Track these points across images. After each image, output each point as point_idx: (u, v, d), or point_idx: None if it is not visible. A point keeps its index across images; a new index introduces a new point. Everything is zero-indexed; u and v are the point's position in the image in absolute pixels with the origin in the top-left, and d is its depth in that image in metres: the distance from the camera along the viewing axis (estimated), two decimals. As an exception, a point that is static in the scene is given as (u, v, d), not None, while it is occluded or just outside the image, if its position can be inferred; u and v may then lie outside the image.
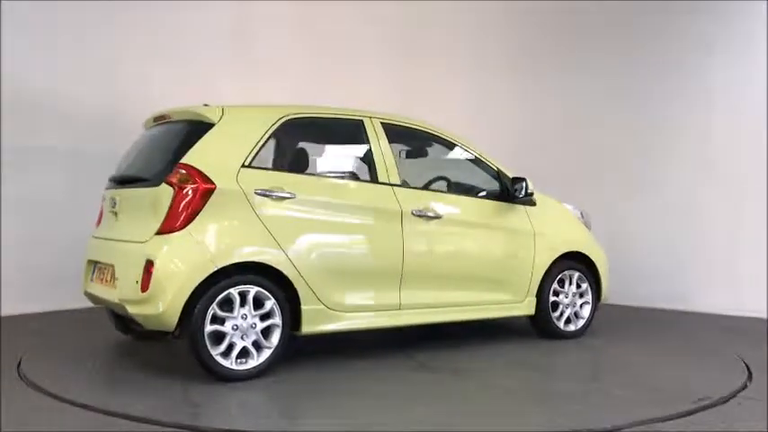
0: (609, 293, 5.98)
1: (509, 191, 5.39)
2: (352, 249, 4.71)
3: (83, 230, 6.81)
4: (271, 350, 4.32)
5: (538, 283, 5.50)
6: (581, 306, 5.78)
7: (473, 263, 5.26)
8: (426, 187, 5.43)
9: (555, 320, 5.62)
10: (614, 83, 7.94)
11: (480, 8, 8.67)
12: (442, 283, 5.09)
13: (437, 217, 5.03)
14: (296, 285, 4.39)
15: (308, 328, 4.48)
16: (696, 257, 7.38)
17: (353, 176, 5.01)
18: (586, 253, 5.76)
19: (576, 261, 5.72)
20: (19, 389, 4.13)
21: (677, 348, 5.55)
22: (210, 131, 4.42)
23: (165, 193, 4.22)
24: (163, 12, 7.48)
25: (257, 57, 8.21)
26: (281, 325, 4.34)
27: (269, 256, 4.31)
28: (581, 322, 5.77)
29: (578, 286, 5.76)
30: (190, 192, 4.16)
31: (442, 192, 5.44)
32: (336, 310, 4.58)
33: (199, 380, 4.41)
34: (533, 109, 8.48)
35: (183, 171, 4.22)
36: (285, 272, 4.35)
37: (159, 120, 5.00)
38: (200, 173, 4.21)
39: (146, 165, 4.72)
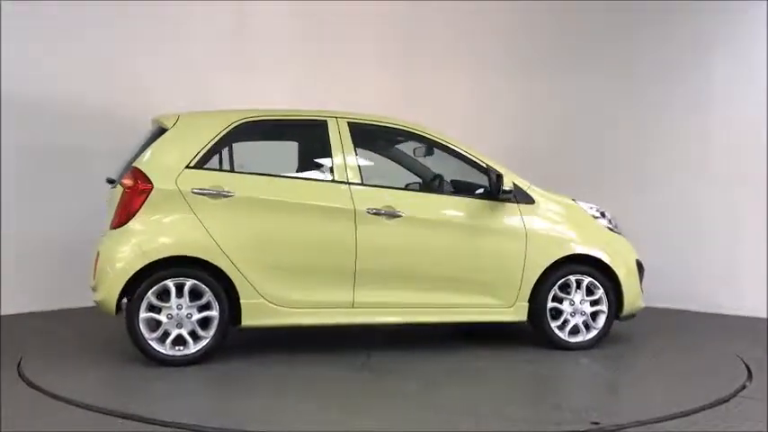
0: (638, 303, 5.44)
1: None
2: (294, 246, 4.80)
3: (83, 230, 6.82)
4: (207, 340, 4.60)
5: (530, 287, 5.13)
6: (593, 315, 5.28)
7: (441, 263, 5.04)
8: (395, 186, 5.30)
9: (555, 329, 5.20)
10: (614, 83, 7.93)
11: (482, 8, 8.66)
12: (405, 284, 4.97)
13: (397, 215, 4.94)
14: (233, 279, 4.65)
15: (248, 321, 4.72)
16: (696, 257, 7.37)
17: (305, 176, 5.15)
18: (600, 257, 5.27)
19: (588, 265, 5.26)
20: (19, 389, 4.13)
21: (676, 348, 5.55)
22: (163, 136, 4.85)
23: (118, 192, 4.77)
24: (163, 11, 7.47)
25: (257, 56, 8.21)
26: (218, 316, 4.61)
27: (202, 251, 4.61)
28: (593, 333, 5.26)
29: (591, 293, 5.28)
30: (130, 191, 4.64)
31: (407, 190, 5.31)
32: (279, 305, 4.75)
33: (200, 378, 4.43)
34: (534, 109, 8.47)
35: (131, 173, 4.71)
36: (220, 266, 4.62)
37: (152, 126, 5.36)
38: (142, 174, 4.67)
39: (123, 168, 5.06)
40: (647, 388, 4.38)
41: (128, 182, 4.68)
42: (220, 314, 4.62)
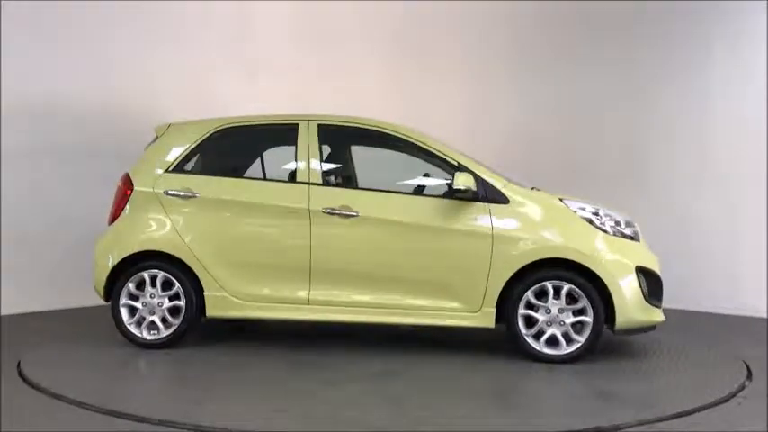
0: (640, 315, 4.81)
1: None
2: (251, 244, 5.12)
3: (83, 230, 6.83)
4: (176, 326, 5.08)
5: (498, 292, 4.80)
6: (576, 326, 4.79)
7: (398, 263, 4.94)
8: (356, 186, 5.44)
9: (529, 339, 4.80)
10: (614, 83, 7.94)
11: (481, 9, 8.67)
12: (360, 283, 4.97)
13: (352, 215, 4.97)
14: (197, 273, 5.10)
15: (212, 312, 5.12)
16: (696, 257, 7.37)
17: (271, 177, 5.45)
18: (582, 261, 4.76)
19: (571, 270, 4.78)
20: (19, 389, 4.13)
21: (675, 348, 5.54)
22: (153, 144, 5.48)
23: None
24: (164, 12, 7.48)
25: (258, 57, 8.22)
26: (184, 306, 5.07)
27: (170, 247, 5.11)
28: (575, 345, 4.76)
29: (575, 301, 4.80)
30: (119, 193, 5.34)
31: (369, 190, 5.23)
32: (240, 298, 5.08)
33: (199, 378, 4.44)
34: (533, 109, 8.47)
35: (123, 176, 5.37)
36: (185, 260, 5.09)
37: None
38: (127, 178, 5.33)
39: None
40: (647, 388, 4.38)
41: (119, 184, 5.36)
42: (187, 304, 5.07)
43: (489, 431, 3.53)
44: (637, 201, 7.64)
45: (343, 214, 4.98)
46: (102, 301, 5.34)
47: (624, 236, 5.01)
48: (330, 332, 5.79)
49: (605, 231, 4.91)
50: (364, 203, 5.03)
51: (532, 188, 5.26)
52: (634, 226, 5.16)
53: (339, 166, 5.61)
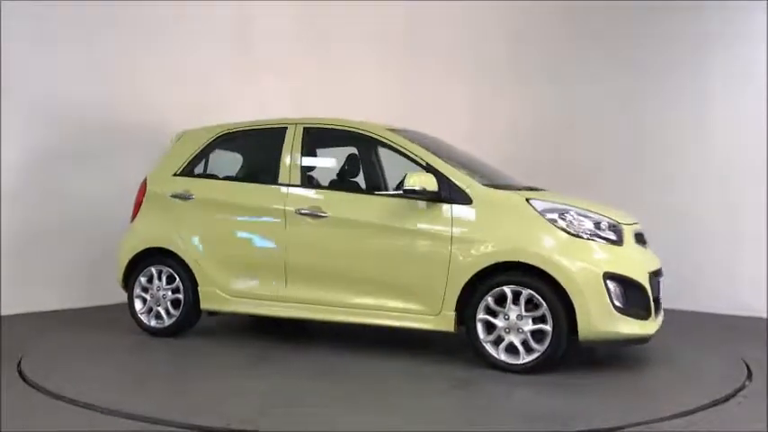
0: (609, 326, 4.37)
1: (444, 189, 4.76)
2: (236, 242, 5.42)
3: (83, 230, 6.83)
4: (176, 317, 5.52)
5: (456, 295, 4.62)
6: (537, 335, 4.45)
7: (361, 263, 4.95)
8: (334, 187, 5.38)
9: (487, 346, 4.56)
10: (614, 83, 7.93)
11: (481, 10, 8.67)
12: (330, 282, 5.05)
13: (322, 216, 5.08)
14: (192, 269, 5.50)
15: (204, 305, 5.50)
16: (696, 257, 7.38)
17: (258, 178, 5.59)
18: (540, 265, 4.43)
19: (531, 275, 4.47)
20: (19, 389, 4.13)
21: (675, 348, 5.54)
22: (169, 149, 5.97)
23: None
24: (164, 12, 7.47)
25: (258, 57, 8.22)
26: (183, 299, 5.49)
27: (171, 245, 5.57)
28: (534, 354, 4.43)
29: (538, 308, 4.47)
30: (138, 195, 5.85)
31: (342, 191, 5.30)
32: (226, 294, 5.40)
33: (200, 378, 4.44)
34: (533, 110, 8.47)
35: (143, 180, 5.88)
36: (183, 257, 5.52)
37: None
38: (144, 181, 5.86)
39: None
40: (647, 388, 4.38)
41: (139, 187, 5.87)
42: (185, 297, 5.49)
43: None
44: (637, 201, 7.64)
45: (314, 215, 5.11)
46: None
47: (602, 239, 4.57)
48: (337, 330, 5.79)
49: (574, 234, 4.51)
50: (334, 204, 5.13)
51: (529, 188, 5.23)
52: (620, 227, 4.70)
53: (329, 167, 5.73)
